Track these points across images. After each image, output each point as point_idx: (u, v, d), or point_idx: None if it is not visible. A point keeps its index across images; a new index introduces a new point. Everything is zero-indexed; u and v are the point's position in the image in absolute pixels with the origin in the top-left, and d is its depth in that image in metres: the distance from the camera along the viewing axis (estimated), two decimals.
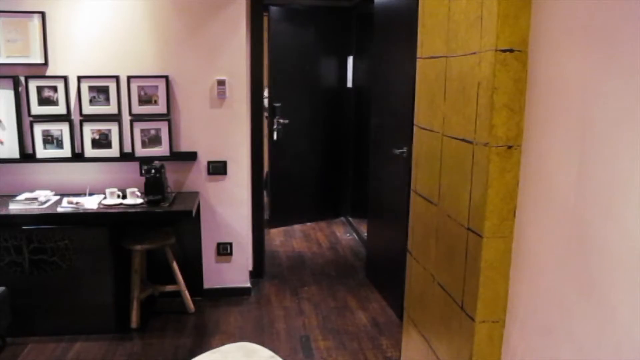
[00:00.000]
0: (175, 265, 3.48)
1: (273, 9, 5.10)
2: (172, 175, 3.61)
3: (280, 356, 2.17)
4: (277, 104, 5.25)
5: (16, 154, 3.45)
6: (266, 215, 5.68)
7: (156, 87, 3.51)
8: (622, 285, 1.17)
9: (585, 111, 1.30)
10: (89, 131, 3.49)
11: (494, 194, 1.61)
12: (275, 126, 5.27)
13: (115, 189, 3.37)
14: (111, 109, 3.49)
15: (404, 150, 3.34)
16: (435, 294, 2.04)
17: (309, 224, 5.69)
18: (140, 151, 3.54)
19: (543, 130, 1.49)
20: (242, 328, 3.41)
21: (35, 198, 3.27)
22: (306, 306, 3.75)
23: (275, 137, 5.31)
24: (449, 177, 1.92)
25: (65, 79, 3.43)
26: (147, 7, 3.45)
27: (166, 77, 3.51)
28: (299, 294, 3.95)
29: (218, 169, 3.69)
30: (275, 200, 5.57)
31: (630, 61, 1.14)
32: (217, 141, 3.66)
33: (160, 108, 3.53)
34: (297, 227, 5.63)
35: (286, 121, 5.30)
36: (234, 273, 3.86)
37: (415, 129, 2.30)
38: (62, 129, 3.46)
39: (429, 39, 2.12)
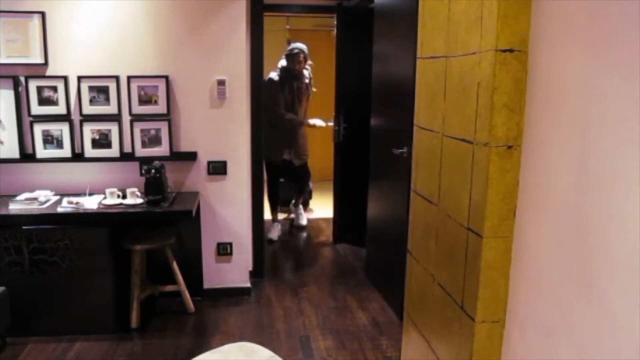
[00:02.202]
0: (175, 265, 3.48)
1: (346, 7, 4.81)
2: (172, 175, 3.61)
3: (280, 356, 2.17)
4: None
5: (16, 154, 3.45)
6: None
7: (156, 87, 3.51)
8: (622, 285, 1.17)
9: (585, 111, 1.30)
10: (89, 131, 3.49)
11: (494, 194, 1.61)
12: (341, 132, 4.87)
13: (115, 189, 3.37)
14: (111, 109, 3.49)
15: (404, 150, 3.34)
16: (435, 294, 2.04)
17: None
18: (140, 151, 3.54)
19: (543, 130, 1.49)
20: (242, 328, 3.41)
21: (35, 198, 3.27)
22: (306, 306, 3.74)
23: (340, 140, 4.90)
24: (449, 177, 1.92)
25: (65, 79, 3.43)
26: (147, 7, 3.45)
27: (166, 77, 3.51)
28: (299, 294, 3.95)
29: (218, 169, 3.69)
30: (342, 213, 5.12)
31: (630, 61, 1.14)
32: (217, 141, 3.66)
33: (160, 108, 3.53)
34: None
35: (345, 125, 4.85)
36: (234, 273, 3.86)
37: (415, 129, 2.30)
38: (62, 129, 3.46)
39: (429, 38, 2.12)
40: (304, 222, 5.55)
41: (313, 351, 3.13)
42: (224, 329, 3.38)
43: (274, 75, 4.96)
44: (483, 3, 1.62)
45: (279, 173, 5.28)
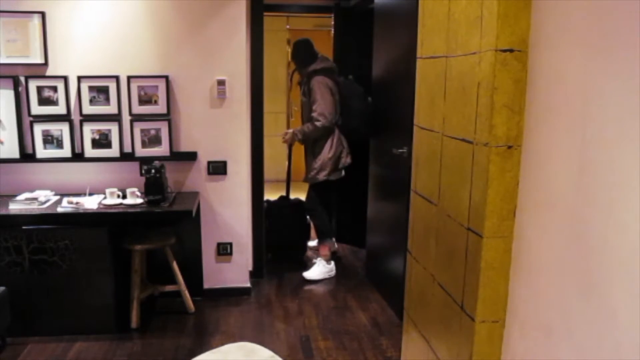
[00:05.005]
0: (175, 265, 3.48)
1: (345, 7, 4.81)
2: (172, 175, 3.61)
3: (280, 356, 2.17)
4: None
5: (16, 154, 3.45)
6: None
7: (156, 87, 3.51)
8: (622, 285, 1.17)
9: (585, 111, 1.30)
10: (89, 131, 3.49)
11: (494, 194, 1.61)
12: None
13: (115, 189, 3.37)
14: (111, 109, 3.49)
15: (404, 150, 3.34)
16: (435, 294, 2.04)
17: None
18: (140, 151, 3.54)
19: (543, 130, 1.49)
20: (242, 328, 3.41)
21: (35, 198, 3.27)
22: (306, 306, 3.75)
23: None
24: (449, 177, 1.92)
25: (65, 79, 3.43)
26: (147, 7, 3.45)
27: (166, 77, 3.51)
28: (299, 294, 3.95)
29: (218, 169, 3.69)
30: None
31: (630, 61, 1.14)
32: (217, 141, 3.66)
33: (160, 108, 3.53)
34: None
35: None
36: (234, 273, 3.86)
37: (415, 129, 2.30)
38: (62, 129, 3.46)
39: (429, 38, 2.12)
40: (309, 275, 4.22)
41: (313, 351, 3.13)
42: (224, 329, 3.38)
43: None
44: (483, 3, 1.62)
45: (321, 194, 4.30)
